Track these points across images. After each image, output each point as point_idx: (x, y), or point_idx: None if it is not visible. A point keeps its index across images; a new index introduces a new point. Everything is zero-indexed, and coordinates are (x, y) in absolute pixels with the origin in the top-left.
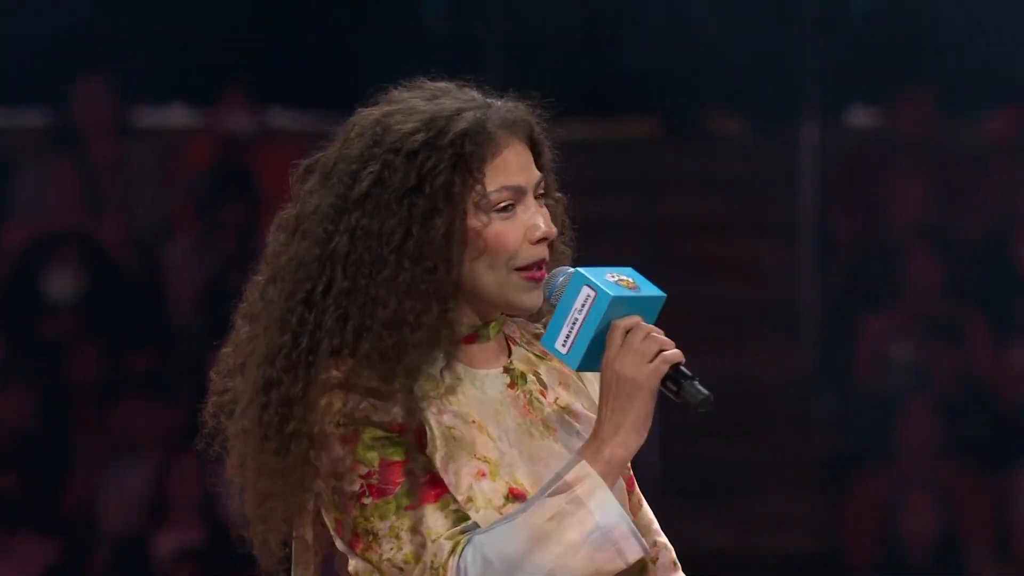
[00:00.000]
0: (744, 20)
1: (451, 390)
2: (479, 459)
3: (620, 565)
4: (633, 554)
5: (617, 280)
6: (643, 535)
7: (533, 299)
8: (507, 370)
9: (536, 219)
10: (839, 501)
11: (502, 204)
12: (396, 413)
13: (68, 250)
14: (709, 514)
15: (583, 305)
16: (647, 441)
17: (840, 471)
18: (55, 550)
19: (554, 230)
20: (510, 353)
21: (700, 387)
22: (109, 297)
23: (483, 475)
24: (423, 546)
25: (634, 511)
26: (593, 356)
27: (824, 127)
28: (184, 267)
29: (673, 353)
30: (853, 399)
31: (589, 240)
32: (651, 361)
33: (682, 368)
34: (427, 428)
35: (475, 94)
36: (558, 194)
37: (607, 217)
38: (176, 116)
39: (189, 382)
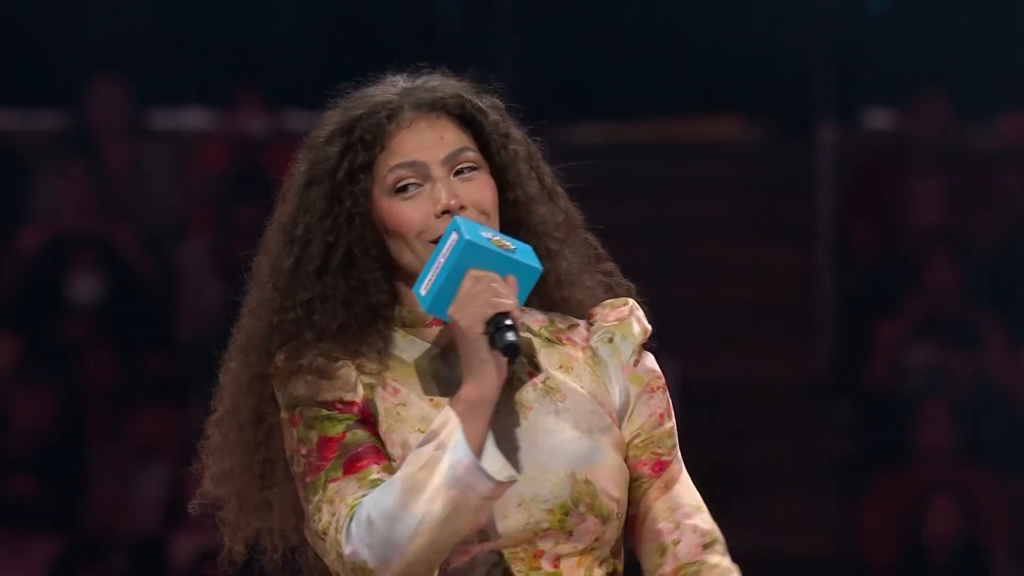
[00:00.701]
0: (761, 23)
1: (417, 371)
2: (423, 432)
3: (476, 501)
4: (484, 488)
5: (492, 238)
6: (666, 515)
7: None
8: None
9: (446, 190)
10: (857, 504)
11: (400, 184)
12: (340, 390)
13: (83, 253)
14: (727, 517)
15: (448, 250)
16: None
17: (857, 474)
18: (72, 552)
19: (458, 200)
20: None
21: (509, 336)
22: (124, 300)
23: None
24: (333, 514)
25: (660, 490)
26: (444, 301)
27: (841, 130)
28: (200, 270)
29: (498, 301)
30: (870, 402)
31: (600, 244)
32: (478, 309)
33: (505, 319)
34: (372, 407)
35: (409, 81)
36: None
37: (621, 220)
38: (191, 118)
39: (204, 385)
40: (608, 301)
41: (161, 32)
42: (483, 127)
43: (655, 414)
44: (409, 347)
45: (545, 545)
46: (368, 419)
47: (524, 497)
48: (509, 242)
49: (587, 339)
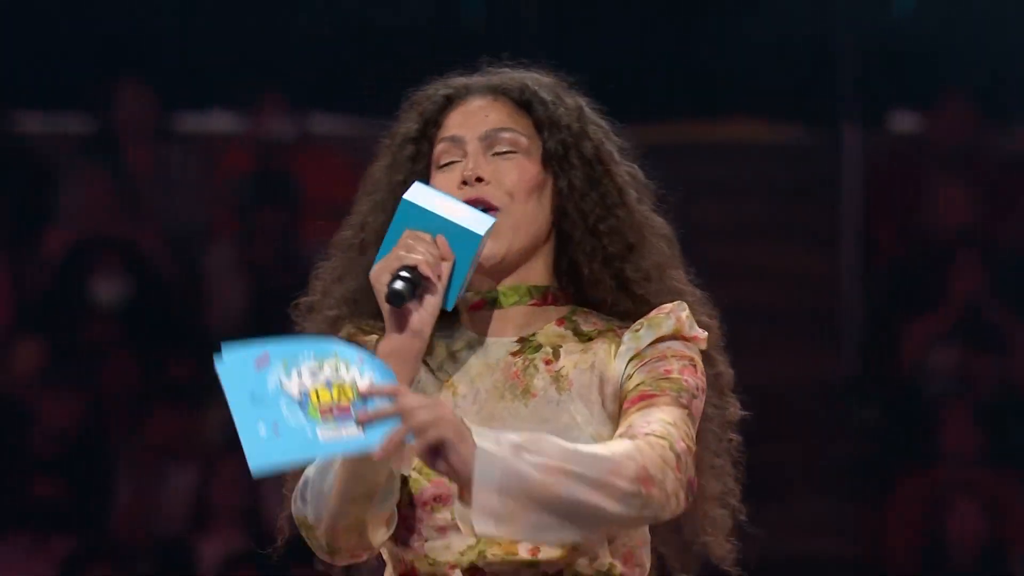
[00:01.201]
0: (785, 25)
1: (444, 352)
2: None
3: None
4: None
5: (442, 204)
6: (624, 427)
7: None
8: (522, 339)
9: (470, 160)
10: (881, 506)
11: (443, 160)
12: None
13: (108, 256)
14: (751, 518)
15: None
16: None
17: (882, 476)
18: (95, 554)
19: (474, 172)
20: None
21: (395, 283)
22: (149, 303)
23: None
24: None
25: (631, 414)
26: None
27: (865, 132)
28: (225, 273)
29: (403, 256)
30: (894, 405)
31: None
32: (387, 263)
33: (405, 271)
34: None
35: (497, 71)
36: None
37: None
38: (217, 121)
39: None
40: (662, 303)
41: (186, 35)
42: (539, 114)
43: (659, 369)
44: (447, 328)
45: None
46: None
47: None
48: (465, 209)
49: (623, 333)
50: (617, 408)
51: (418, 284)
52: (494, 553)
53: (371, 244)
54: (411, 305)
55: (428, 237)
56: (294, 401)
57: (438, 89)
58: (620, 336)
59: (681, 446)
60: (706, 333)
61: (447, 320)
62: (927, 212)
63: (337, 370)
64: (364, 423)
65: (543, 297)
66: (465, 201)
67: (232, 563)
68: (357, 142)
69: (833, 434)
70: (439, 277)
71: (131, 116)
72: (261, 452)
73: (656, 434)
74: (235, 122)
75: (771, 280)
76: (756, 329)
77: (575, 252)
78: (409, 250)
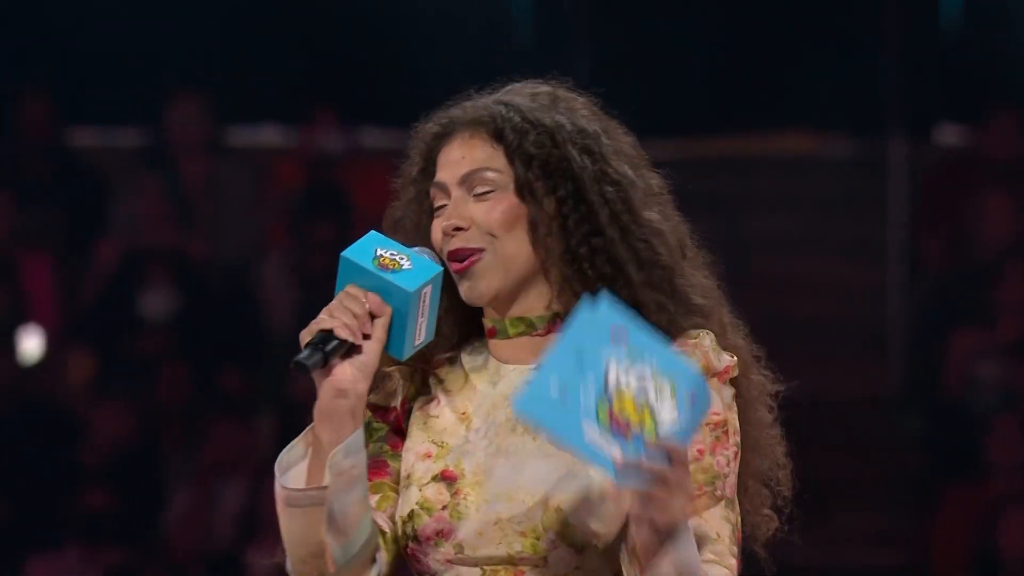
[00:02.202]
0: (833, 39)
1: (466, 383)
2: (434, 443)
3: (280, 504)
4: (277, 488)
5: (383, 254)
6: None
7: (464, 290)
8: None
9: (448, 211)
10: (930, 518)
11: (435, 204)
12: (384, 397)
13: (160, 268)
14: (799, 531)
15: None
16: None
17: (929, 488)
18: (147, 566)
19: (452, 222)
20: None
21: (303, 354)
22: (202, 316)
23: (428, 456)
24: None
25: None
26: None
27: (912, 146)
28: (276, 286)
29: (321, 319)
30: (942, 416)
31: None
32: (312, 325)
33: (318, 338)
34: (409, 414)
35: (488, 94)
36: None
37: (694, 236)
38: (268, 135)
39: (280, 401)
40: (689, 331)
41: (238, 50)
42: (508, 145)
43: (692, 449)
44: (475, 359)
45: (524, 567)
46: (400, 429)
47: (501, 517)
48: (408, 261)
49: None
50: None
51: (334, 349)
52: None
53: None
54: (336, 365)
55: (359, 294)
56: (600, 388)
57: (429, 126)
58: None
59: (732, 562)
60: (734, 358)
61: (478, 338)
62: (974, 225)
63: (660, 392)
64: (623, 463)
65: (548, 326)
66: (449, 251)
67: (281, 574)
68: (406, 155)
69: (881, 446)
70: (366, 336)
71: (184, 130)
72: (535, 399)
73: (711, 560)
74: (287, 136)
75: (818, 293)
76: (803, 342)
77: (563, 281)
78: (331, 312)
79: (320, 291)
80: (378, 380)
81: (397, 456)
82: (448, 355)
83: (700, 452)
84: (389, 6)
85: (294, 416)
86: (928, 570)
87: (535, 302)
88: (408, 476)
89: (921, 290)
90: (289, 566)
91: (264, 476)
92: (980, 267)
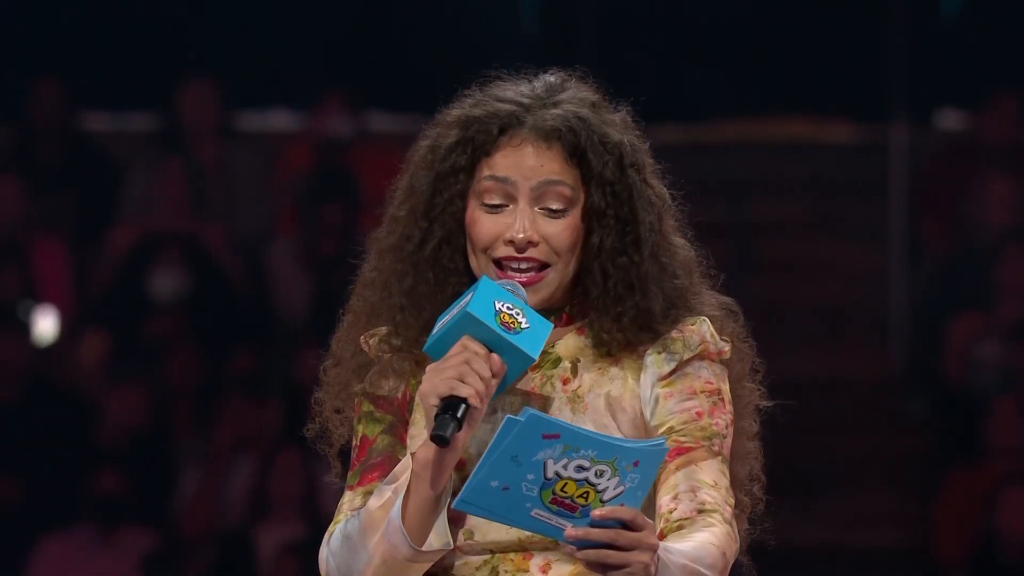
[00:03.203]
0: (835, 26)
1: None
2: None
3: (401, 560)
4: (406, 551)
5: (503, 310)
6: (669, 491)
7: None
8: (543, 353)
9: (521, 221)
10: (930, 498)
11: (488, 196)
12: (388, 386)
13: (172, 251)
14: (801, 511)
15: (456, 305)
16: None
17: (930, 469)
18: (160, 545)
19: (527, 236)
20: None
21: (444, 425)
22: (213, 298)
23: None
24: (334, 518)
25: (671, 472)
26: (437, 352)
27: (914, 131)
28: (286, 268)
29: (454, 385)
30: (943, 399)
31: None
32: (438, 384)
33: (454, 403)
34: (412, 402)
35: (547, 94)
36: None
37: (700, 220)
38: (278, 120)
39: (289, 382)
40: (688, 319)
41: (248, 36)
42: (591, 168)
43: (690, 411)
44: None
45: (534, 549)
46: (404, 418)
47: None
48: (524, 318)
49: (645, 350)
50: (637, 433)
51: (464, 414)
52: (506, 569)
53: (428, 267)
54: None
55: (483, 353)
56: (541, 478)
57: (490, 117)
58: (642, 357)
59: (728, 512)
60: (728, 344)
61: None
62: (974, 209)
63: (601, 475)
64: (574, 535)
65: (558, 319)
66: (514, 259)
67: (289, 553)
68: (414, 139)
69: (882, 428)
70: (484, 399)
71: (195, 115)
72: (475, 494)
73: (709, 509)
74: (296, 120)
75: (820, 276)
76: (805, 324)
77: (588, 287)
78: (463, 377)
79: (328, 273)
80: (381, 370)
81: (405, 450)
82: None
83: (699, 414)
84: None
85: (302, 397)
86: (929, 550)
87: (552, 300)
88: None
89: (922, 273)
90: None
91: (273, 455)
92: (980, 251)
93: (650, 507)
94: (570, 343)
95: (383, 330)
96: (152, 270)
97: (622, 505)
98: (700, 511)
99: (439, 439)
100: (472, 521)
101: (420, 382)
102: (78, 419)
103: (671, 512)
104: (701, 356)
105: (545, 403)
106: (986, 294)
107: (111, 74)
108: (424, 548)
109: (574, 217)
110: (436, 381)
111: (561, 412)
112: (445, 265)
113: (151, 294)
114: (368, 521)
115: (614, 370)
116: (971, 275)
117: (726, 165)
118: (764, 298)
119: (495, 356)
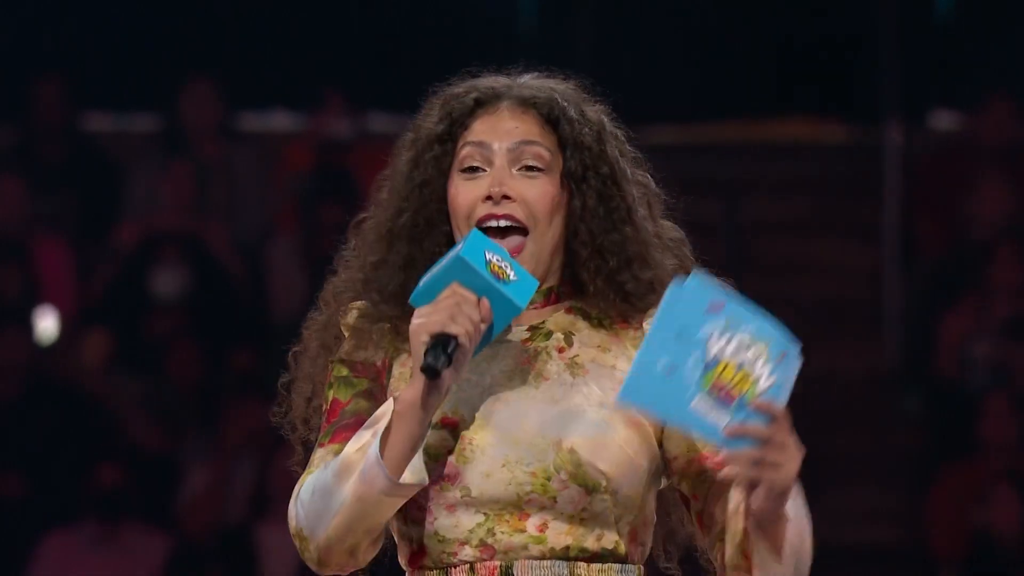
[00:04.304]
0: (830, 27)
1: None
2: None
3: (375, 495)
4: (382, 483)
5: (493, 261)
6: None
7: None
8: (532, 328)
9: (497, 176)
10: (923, 495)
11: (466, 164)
12: (367, 354)
13: (174, 251)
14: None
15: (449, 255)
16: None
17: (923, 465)
18: (162, 542)
19: (501, 190)
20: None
21: (436, 358)
22: (214, 296)
23: None
24: (300, 480)
25: (725, 485)
26: (423, 299)
27: (908, 131)
28: (286, 267)
29: (446, 323)
30: (936, 395)
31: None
32: (429, 323)
33: (444, 339)
34: (389, 370)
35: (522, 78)
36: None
37: (696, 219)
38: (278, 120)
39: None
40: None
41: (250, 37)
42: (564, 134)
43: None
44: None
45: (531, 509)
46: (382, 384)
47: (509, 459)
48: (513, 271)
49: (642, 321)
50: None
51: (454, 352)
52: (503, 530)
53: (401, 239)
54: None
55: (473, 299)
56: (703, 360)
57: (468, 92)
58: (639, 328)
59: None
60: None
61: None
62: (967, 209)
63: (758, 358)
64: (730, 431)
65: (547, 298)
66: (490, 216)
67: (291, 550)
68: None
69: (876, 425)
70: (473, 341)
71: (197, 116)
72: (641, 384)
73: None
74: (296, 121)
75: (816, 274)
76: (802, 322)
77: (580, 268)
78: (453, 316)
79: (327, 272)
80: (366, 332)
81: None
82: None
83: None
84: None
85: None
86: (923, 545)
87: (539, 277)
88: None
89: (916, 271)
90: (323, 530)
91: (275, 454)
92: (973, 249)
93: (646, 524)
94: (560, 319)
95: (360, 304)
96: (154, 269)
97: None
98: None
99: (430, 371)
100: (469, 478)
101: (399, 350)
102: (80, 417)
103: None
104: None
105: (545, 368)
106: (979, 292)
107: (113, 74)
108: (400, 480)
109: (552, 182)
110: (427, 320)
111: (560, 375)
112: (424, 238)
113: (153, 293)
114: (344, 464)
115: (615, 348)
116: (964, 273)
117: (721, 165)
118: (759, 296)
119: (485, 301)
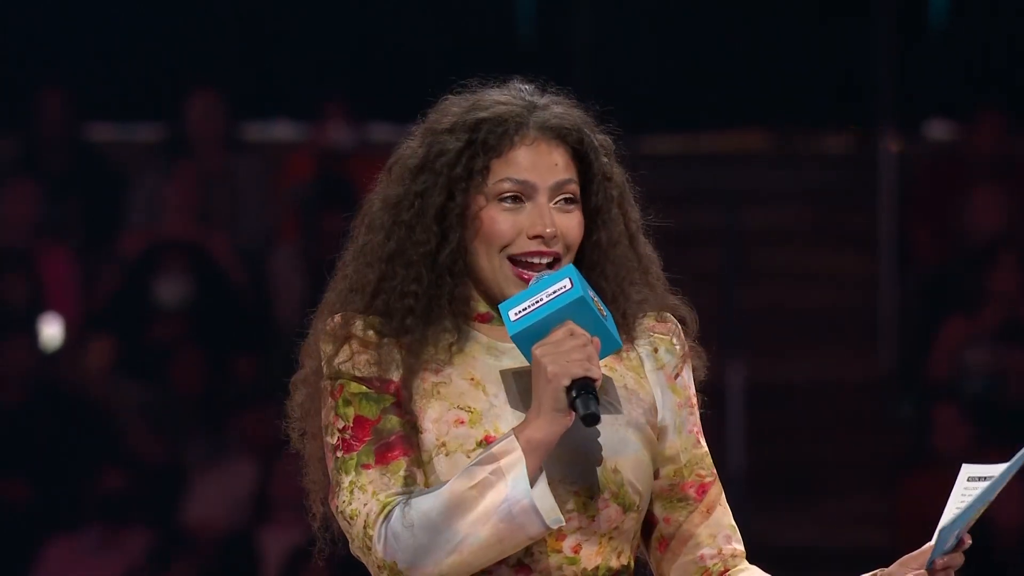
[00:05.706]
0: (826, 39)
1: (462, 356)
2: (462, 409)
3: (523, 539)
4: (534, 530)
5: (595, 298)
6: (709, 541)
7: None
8: None
9: (542, 216)
10: (919, 500)
11: (505, 194)
12: (382, 369)
13: (178, 259)
14: (791, 512)
15: (555, 291)
16: (734, 441)
17: (921, 472)
18: (162, 547)
19: (554, 229)
20: None
21: (592, 405)
22: (216, 305)
23: (462, 423)
24: (365, 504)
25: (703, 515)
26: (530, 335)
27: (904, 142)
28: (288, 276)
29: (588, 367)
30: (931, 402)
31: (673, 250)
32: (570, 365)
33: (589, 384)
34: (408, 387)
35: (537, 97)
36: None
37: (694, 228)
38: (281, 131)
39: (288, 388)
40: (651, 313)
41: (253, 48)
42: (592, 166)
43: (692, 432)
44: (458, 333)
45: (567, 529)
46: (401, 401)
47: (553, 477)
48: (603, 306)
49: (632, 341)
50: (649, 419)
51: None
52: (540, 550)
53: (415, 248)
54: None
55: (595, 340)
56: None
57: (498, 116)
58: (630, 352)
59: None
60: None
61: (439, 323)
62: (962, 218)
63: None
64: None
65: None
66: (538, 253)
67: (293, 555)
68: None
69: (871, 430)
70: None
71: (200, 125)
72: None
73: (739, 554)
74: (298, 131)
75: (813, 283)
76: (798, 330)
77: (605, 297)
78: (590, 358)
79: (327, 281)
80: (374, 346)
81: (415, 431)
82: (424, 329)
83: (698, 437)
84: (397, 4)
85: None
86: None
87: None
88: (444, 444)
89: (911, 280)
90: (435, 565)
91: (275, 460)
92: (968, 258)
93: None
94: None
95: (357, 316)
96: (157, 277)
97: None
98: (734, 555)
99: (593, 418)
100: None
101: (412, 368)
102: (84, 423)
103: (716, 567)
104: (683, 357)
105: None
106: (973, 300)
107: (118, 85)
108: (553, 525)
109: (579, 213)
110: (564, 363)
111: None
112: (450, 266)
113: (156, 301)
114: (455, 501)
115: (620, 368)
116: (958, 282)
117: (719, 174)
118: (757, 305)
119: (597, 341)
